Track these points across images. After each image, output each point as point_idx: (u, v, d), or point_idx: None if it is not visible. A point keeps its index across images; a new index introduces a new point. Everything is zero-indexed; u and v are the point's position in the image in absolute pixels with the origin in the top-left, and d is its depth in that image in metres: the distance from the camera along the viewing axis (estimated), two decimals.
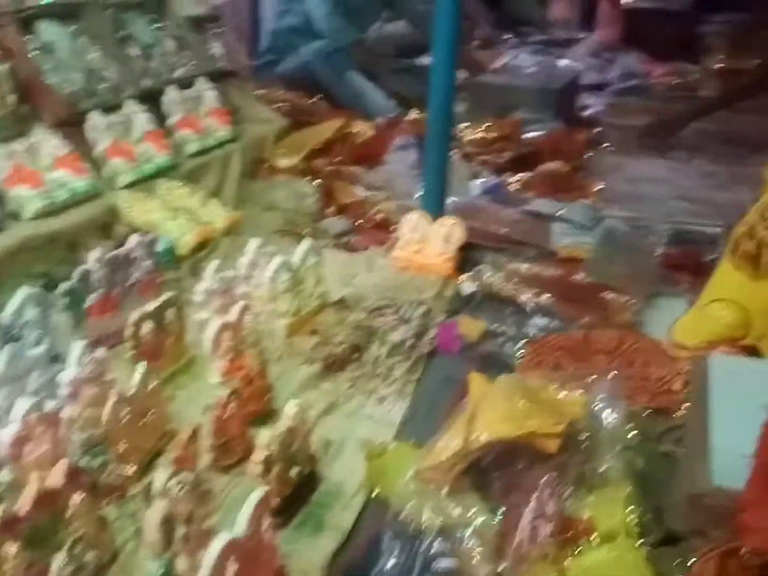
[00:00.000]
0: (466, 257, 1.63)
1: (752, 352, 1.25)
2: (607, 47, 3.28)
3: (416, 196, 1.85)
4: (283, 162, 2.13)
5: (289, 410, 0.95)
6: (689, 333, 1.30)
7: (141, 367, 1.01)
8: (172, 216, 1.64)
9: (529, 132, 2.38)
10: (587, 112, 2.86)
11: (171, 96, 1.91)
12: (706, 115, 2.52)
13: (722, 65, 3.10)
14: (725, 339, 1.26)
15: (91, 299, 1.22)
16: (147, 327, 1.14)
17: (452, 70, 1.64)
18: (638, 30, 3.48)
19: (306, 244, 1.39)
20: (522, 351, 1.26)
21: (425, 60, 2.81)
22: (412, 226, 1.63)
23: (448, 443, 0.91)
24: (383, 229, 1.82)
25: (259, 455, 0.88)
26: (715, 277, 1.33)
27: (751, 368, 1.15)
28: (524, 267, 1.57)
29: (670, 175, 2.21)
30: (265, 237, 1.47)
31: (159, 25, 2.07)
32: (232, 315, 1.18)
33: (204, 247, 1.63)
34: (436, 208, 1.68)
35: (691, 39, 3.55)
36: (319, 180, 2.03)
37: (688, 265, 1.60)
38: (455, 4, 1.56)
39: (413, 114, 2.34)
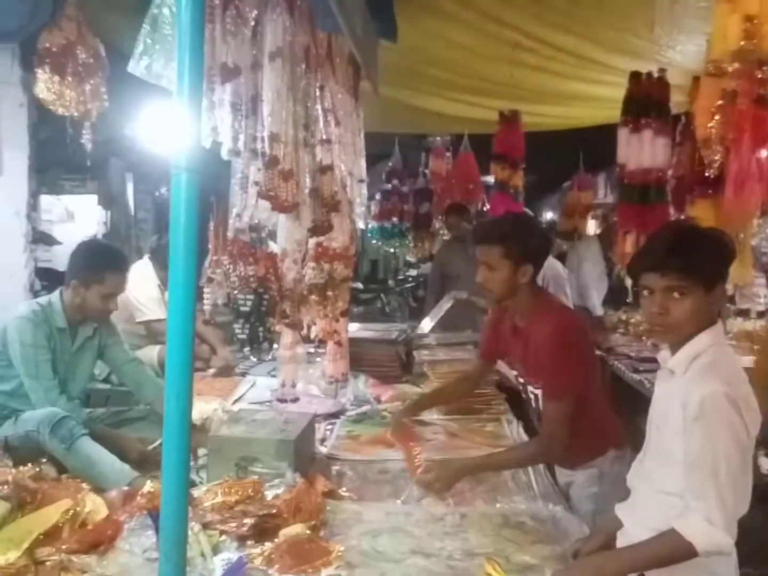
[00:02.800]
0: None
1: None
2: (339, 377, 3.54)
3: None
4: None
5: None
6: None
7: None
8: None
9: (270, 488, 2.40)
10: (324, 449, 2.99)
11: None
12: None
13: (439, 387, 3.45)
14: None
15: None
16: None
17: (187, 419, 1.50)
18: (363, 357, 3.84)
19: None
20: None
21: None
22: None
23: None
24: None
25: None
26: None
27: None
28: None
29: (405, 521, 2.31)
30: None
31: None
32: None
33: None
34: None
35: (411, 364, 4.00)
36: None
37: None
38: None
39: (149, 486, 2.27)
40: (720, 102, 2.00)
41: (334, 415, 3.41)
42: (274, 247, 2.87)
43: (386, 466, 2.83)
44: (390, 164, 7.55)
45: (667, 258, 1.78)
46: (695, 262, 1.75)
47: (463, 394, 3.17)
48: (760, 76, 1.97)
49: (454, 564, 2.06)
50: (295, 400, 3.05)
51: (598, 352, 6.81)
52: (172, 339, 1.50)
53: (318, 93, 2.60)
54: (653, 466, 1.88)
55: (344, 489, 2.59)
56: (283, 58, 2.18)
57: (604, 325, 6.27)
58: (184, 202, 1.47)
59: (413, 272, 10.56)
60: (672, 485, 1.76)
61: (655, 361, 6.28)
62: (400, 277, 10.13)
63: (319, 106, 2.60)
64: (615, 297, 7.26)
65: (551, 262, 5.09)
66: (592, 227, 8.59)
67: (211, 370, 4.17)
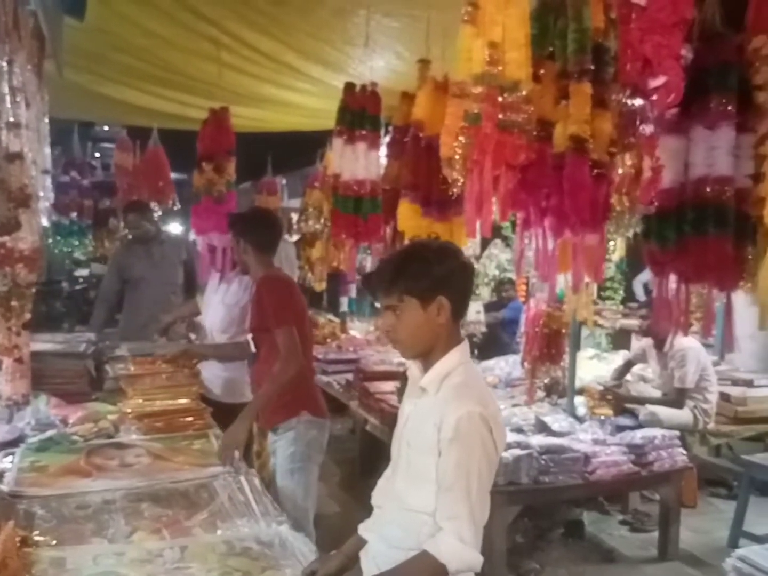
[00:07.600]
0: None
1: None
2: (19, 399, 3.06)
3: None
4: None
5: None
6: None
7: None
8: None
9: None
10: (4, 486, 2.54)
11: None
12: None
13: (136, 410, 3.18)
14: None
15: None
16: None
17: None
18: (44, 374, 3.37)
19: None
20: None
21: None
22: None
23: None
24: None
25: None
26: None
27: None
28: None
29: (117, 563, 2.04)
30: None
31: None
32: None
33: None
34: None
35: (102, 379, 3.62)
36: None
37: None
38: None
39: None
40: (464, 124, 2.08)
41: (12, 444, 2.93)
42: None
43: (85, 499, 2.48)
44: (56, 153, 6.80)
45: (384, 280, 1.86)
46: (403, 282, 1.81)
47: None
48: (501, 101, 2.08)
49: None
50: None
51: None
52: None
53: (6, 68, 2.19)
54: (404, 485, 1.85)
55: (37, 533, 2.21)
56: None
57: None
58: None
59: (84, 272, 9.72)
60: (424, 504, 1.76)
61: (343, 362, 6.56)
62: (68, 279, 9.25)
63: (6, 84, 2.19)
64: None
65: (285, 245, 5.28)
66: None
67: None
